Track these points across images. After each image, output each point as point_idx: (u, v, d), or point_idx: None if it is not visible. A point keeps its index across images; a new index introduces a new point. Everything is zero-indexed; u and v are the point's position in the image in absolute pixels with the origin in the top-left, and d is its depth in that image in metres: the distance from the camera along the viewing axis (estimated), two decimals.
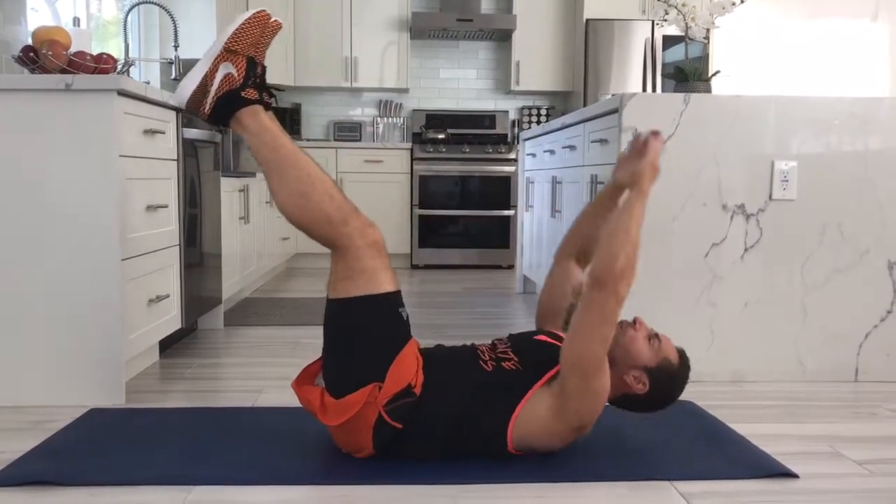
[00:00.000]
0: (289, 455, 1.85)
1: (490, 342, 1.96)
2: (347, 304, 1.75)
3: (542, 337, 1.93)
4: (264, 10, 1.85)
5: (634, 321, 1.88)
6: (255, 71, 1.83)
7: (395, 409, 1.71)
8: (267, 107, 1.87)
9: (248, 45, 1.82)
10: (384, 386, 1.71)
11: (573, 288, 2.05)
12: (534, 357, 1.83)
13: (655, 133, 1.79)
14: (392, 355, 1.73)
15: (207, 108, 1.82)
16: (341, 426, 1.74)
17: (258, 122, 1.82)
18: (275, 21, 1.87)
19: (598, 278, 1.64)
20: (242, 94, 1.81)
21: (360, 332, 1.74)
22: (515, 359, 1.84)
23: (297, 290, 4.71)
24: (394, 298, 1.78)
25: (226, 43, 1.81)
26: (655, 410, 1.88)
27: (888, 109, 2.58)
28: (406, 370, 1.74)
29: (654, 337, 1.85)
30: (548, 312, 2.08)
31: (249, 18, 1.82)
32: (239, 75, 1.81)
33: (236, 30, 1.81)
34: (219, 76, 1.81)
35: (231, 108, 1.81)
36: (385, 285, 1.76)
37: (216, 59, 1.81)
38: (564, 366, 1.71)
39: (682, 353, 1.87)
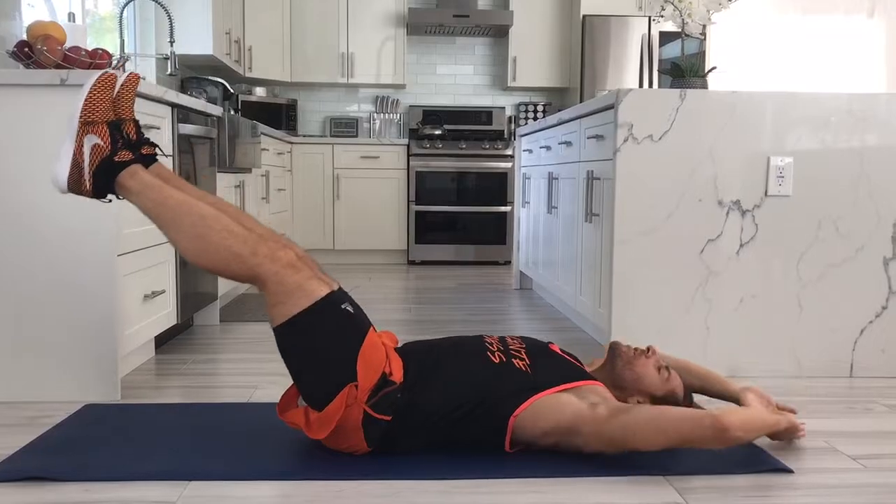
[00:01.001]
0: (284, 450, 1.85)
1: (499, 336, 1.98)
2: (290, 326, 1.73)
3: (556, 348, 1.98)
4: (108, 72, 1.82)
5: (648, 349, 1.94)
6: (120, 133, 1.80)
7: (378, 401, 1.72)
8: (148, 161, 1.84)
9: (103, 112, 1.79)
10: (359, 383, 1.71)
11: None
12: (548, 365, 1.86)
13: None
14: (354, 352, 1.73)
15: (88, 184, 1.79)
16: (331, 435, 1.75)
17: (139, 181, 1.79)
18: (129, 76, 1.84)
19: (727, 426, 1.63)
20: (116, 159, 1.78)
21: (313, 345, 1.73)
22: (527, 360, 1.85)
23: None
24: (331, 299, 1.75)
25: (80, 118, 1.78)
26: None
27: (884, 106, 2.58)
28: (375, 360, 1.74)
29: (664, 368, 1.92)
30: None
31: (93, 86, 1.79)
32: (105, 143, 1.78)
33: (84, 103, 1.78)
34: (86, 151, 1.78)
35: (111, 177, 1.79)
36: (317, 292, 1.74)
37: (77, 136, 1.78)
38: (609, 419, 1.70)
39: (688, 394, 1.96)
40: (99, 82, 1.79)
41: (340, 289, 1.82)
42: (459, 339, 1.95)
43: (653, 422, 1.68)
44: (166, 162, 2.76)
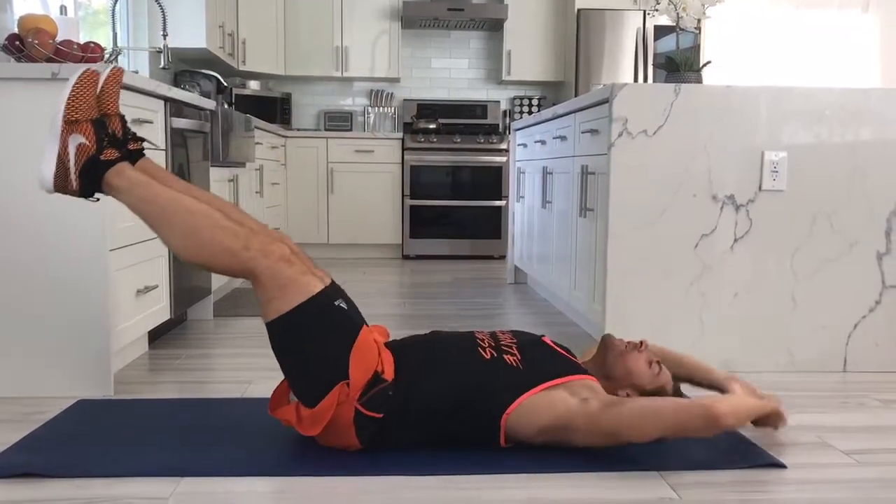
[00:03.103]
0: (277, 446, 1.84)
1: (490, 332, 1.97)
2: (283, 321, 1.72)
3: (549, 341, 1.97)
4: (89, 70, 1.79)
5: (641, 343, 1.95)
6: (105, 131, 1.78)
7: (369, 399, 1.71)
8: (135, 156, 1.82)
9: (87, 110, 1.77)
10: (351, 381, 1.71)
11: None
12: (539, 359, 1.86)
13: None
14: (347, 349, 1.72)
15: (75, 184, 1.77)
16: (323, 432, 1.75)
17: (126, 179, 1.77)
18: (112, 71, 1.82)
19: (717, 414, 1.67)
20: (101, 158, 1.76)
21: (306, 341, 1.72)
22: (518, 356, 1.85)
23: None
24: (325, 295, 1.75)
25: (63, 117, 1.75)
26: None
27: (878, 101, 2.58)
28: (368, 358, 1.73)
29: (655, 363, 1.92)
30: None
31: (75, 84, 1.76)
32: (90, 142, 1.76)
33: (67, 102, 1.75)
34: (71, 150, 1.76)
35: (97, 175, 1.77)
36: (311, 288, 1.73)
37: (61, 135, 1.76)
38: (601, 412, 1.70)
39: (678, 389, 1.96)
40: (81, 80, 1.77)
41: (333, 284, 1.81)
42: (450, 335, 1.94)
43: (644, 414, 1.68)
44: (159, 156, 2.75)
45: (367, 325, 1.84)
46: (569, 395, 1.75)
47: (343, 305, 1.78)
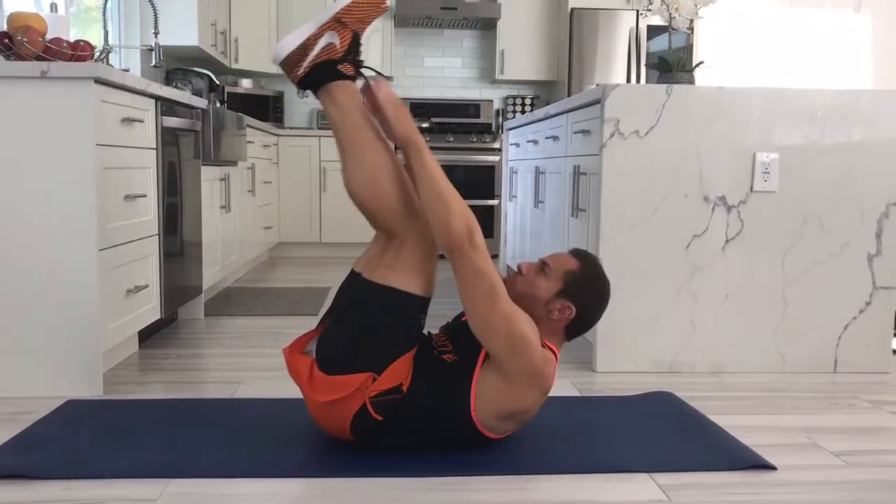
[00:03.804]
0: (267, 447, 1.84)
1: (438, 330, 1.94)
2: (380, 291, 1.73)
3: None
4: None
5: (519, 268, 1.84)
6: (357, 48, 1.82)
7: (380, 402, 1.71)
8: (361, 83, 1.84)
9: (357, 20, 1.81)
10: (379, 379, 1.70)
11: None
12: (463, 342, 1.80)
13: (377, 83, 1.79)
14: (398, 354, 1.73)
15: (302, 70, 1.80)
16: (325, 404, 1.73)
17: (349, 98, 1.80)
18: (385, 3, 1.87)
19: (448, 247, 1.66)
20: (339, 67, 1.79)
21: (378, 322, 1.73)
22: (451, 348, 1.82)
23: (279, 280, 4.69)
24: (422, 303, 1.76)
25: (338, 13, 1.79)
26: (601, 314, 1.85)
27: (869, 102, 2.59)
28: (403, 371, 1.74)
29: (543, 266, 1.81)
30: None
31: None
32: (342, 47, 1.79)
33: (350, 2, 1.79)
34: (321, 43, 1.78)
35: (325, 78, 1.79)
36: (422, 289, 1.75)
37: (323, 25, 1.79)
38: (480, 337, 1.70)
39: (576, 252, 1.84)
40: None
41: (430, 300, 1.80)
42: (420, 341, 1.88)
43: (476, 312, 1.67)
44: (150, 155, 2.73)
45: None
46: (490, 365, 1.72)
47: (422, 322, 1.79)
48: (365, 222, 5.94)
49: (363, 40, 1.86)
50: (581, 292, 1.78)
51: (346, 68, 1.80)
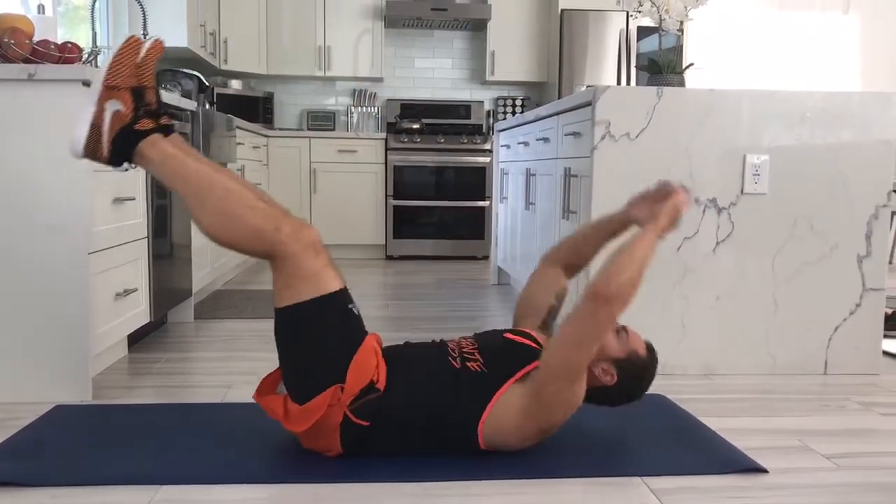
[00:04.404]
0: (257, 453, 1.83)
1: (458, 339, 1.95)
2: (297, 311, 1.70)
3: (512, 336, 1.91)
4: (135, 37, 1.78)
5: None
6: (143, 100, 1.76)
7: (359, 407, 1.70)
8: (167, 130, 1.80)
9: (127, 77, 1.75)
10: (346, 386, 1.69)
11: (556, 292, 2.07)
12: (500, 358, 1.81)
13: (685, 188, 1.82)
14: (350, 354, 1.71)
15: (106, 150, 1.75)
16: (307, 431, 1.72)
17: (160, 151, 1.75)
18: (154, 43, 1.80)
19: (597, 291, 1.64)
20: (136, 127, 1.74)
21: (314, 336, 1.70)
22: (481, 360, 1.81)
23: (269, 283, 4.64)
24: (342, 296, 1.74)
25: (104, 82, 1.74)
26: (625, 403, 1.89)
27: (858, 104, 2.59)
28: (366, 366, 1.72)
29: (621, 330, 1.87)
30: (527, 311, 2.07)
31: (120, 50, 1.75)
32: (127, 109, 1.74)
33: (110, 66, 1.74)
34: (107, 116, 1.74)
35: (130, 145, 1.75)
36: (331, 284, 1.72)
37: (99, 100, 1.74)
38: (546, 370, 1.70)
39: (649, 346, 1.90)
40: (126, 46, 1.75)
41: (346, 288, 1.79)
42: (422, 346, 1.91)
43: (556, 351, 1.69)
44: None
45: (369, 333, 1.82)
46: (523, 389, 1.73)
47: (355, 311, 1.77)
48: (355, 223, 5.94)
49: (153, 84, 1.80)
50: (631, 373, 1.84)
51: (145, 124, 1.76)
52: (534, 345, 1.88)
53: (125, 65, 1.75)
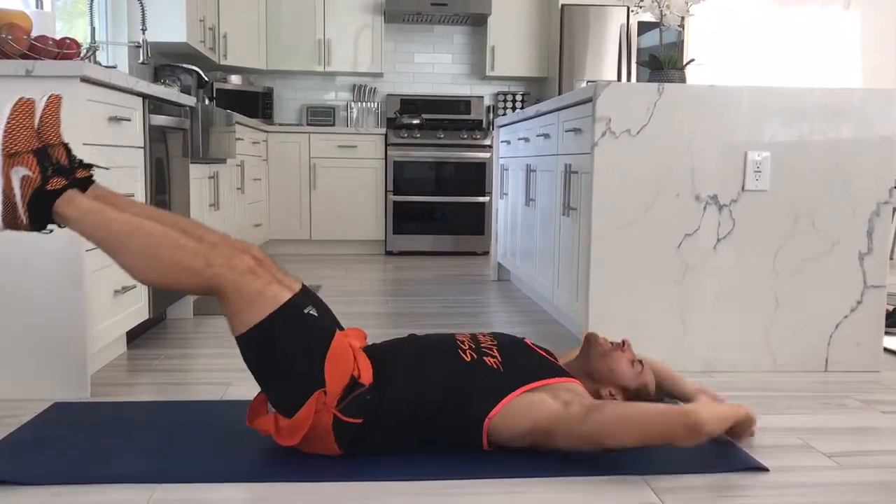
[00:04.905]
0: (256, 452, 1.82)
1: (471, 334, 1.96)
2: (253, 334, 1.68)
3: (531, 343, 1.95)
4: (23, 99, 1.71)
5: (623, 342, 1.95)
6: (49, 160, 1.71)
7: (347, 405, 1.69)
8: (85, 184, 1.76)
9: (26, 140, 1.69)
10: (328, 388, 1.68)
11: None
12: (520, 361, 1.83)
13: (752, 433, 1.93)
14: (320, 357, 1.69)
15: (24, 219, 1.71)
16: (302, 441, 1.72)
17: (77, 208, 1.71)
18: (50, 99, 1.74)
19: (697, 428, 1.64)
20: (48, 188, 1.70)
21: (278, 352, 1.69)
22: (499, 357, 1.82)
23: None
24: (293, 304, 1.71)
25: (2, 151, 1.68)
26: None
27: (860, 101, 2.58)
28: (342, 364, 1.71)
29: (637, 362, 1.94)
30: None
31: (10, 115, 1.68)
32: (34, 173, 1.69)
33: (2, 134, 1.67)
34: (16, 184, 1.69)
35: (46, 207, 1.70)
36: (279, 297, 1.69)
37: (2, 170, 1.68)
38: (581, 418, 1.69)
39: (658, 395, 1.99)
40: (15, 110, 1.68)
41: (303, 289, 1.77)
42: (430, 338, 1.93)
43: (627, 419, 1.67)
44: (137, 154, 2.71)
45: (342, 329, 1.81)
46: (551, 399, 1.74)
47: (313, 312, 1.74)
48: (355, 219, 5.93)
49: (59, 138, 1.74)
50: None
51: (56, 184, 1.71)
52: (552, 359, 1.91)
53: (21, 128, 1.69)
